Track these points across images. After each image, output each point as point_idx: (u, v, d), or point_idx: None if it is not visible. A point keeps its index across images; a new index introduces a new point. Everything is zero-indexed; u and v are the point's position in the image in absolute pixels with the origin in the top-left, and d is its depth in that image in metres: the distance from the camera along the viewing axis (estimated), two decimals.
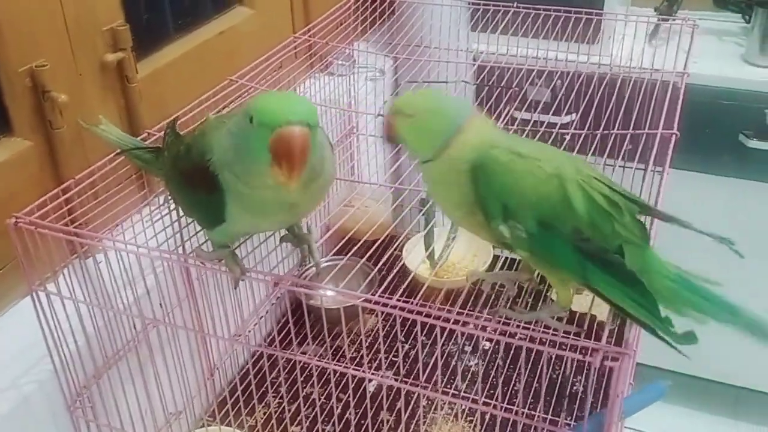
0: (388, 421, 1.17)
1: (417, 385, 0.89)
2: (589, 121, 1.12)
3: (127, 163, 1.00)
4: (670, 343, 0.70)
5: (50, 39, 0.98)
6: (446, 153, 0.76)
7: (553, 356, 1.26)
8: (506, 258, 1.35)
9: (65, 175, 1.01)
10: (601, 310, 1.22)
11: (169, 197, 0.96)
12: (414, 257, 1.40)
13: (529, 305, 0.92)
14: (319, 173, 0.77)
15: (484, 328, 0.75)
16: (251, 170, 0.73)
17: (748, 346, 0.74)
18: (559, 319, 0.80)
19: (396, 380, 0.97)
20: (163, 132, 1.04)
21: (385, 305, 0.74)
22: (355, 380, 1.17)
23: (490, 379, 1.26)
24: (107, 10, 1.07)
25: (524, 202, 0.72)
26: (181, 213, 0.96)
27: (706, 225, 0.72)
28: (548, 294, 1.38)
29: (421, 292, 0.80)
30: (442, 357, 1.30)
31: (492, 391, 1.22)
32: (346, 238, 1.25)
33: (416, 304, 0.73)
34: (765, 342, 0.71)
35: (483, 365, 1.30)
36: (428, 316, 0.73)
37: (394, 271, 0.93)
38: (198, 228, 0.93)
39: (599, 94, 1.18)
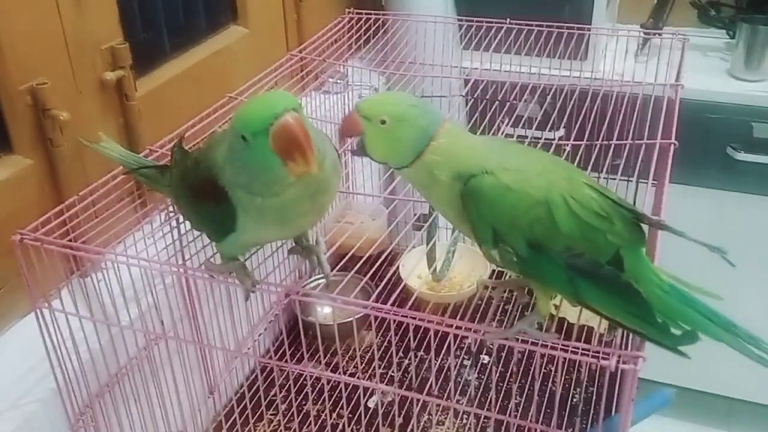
0: None
1: (431, 396, 0.88)
2: (585, 135, 1.13)
3: (128, 180, 1.00)
4: (668, 347, 0.70)
5: (50, 57, 0.99)
6: (420, 161, 0.74)
7: (546, 361, 1.26)
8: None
9: (65, 192, 1.00)
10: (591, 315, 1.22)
11: (174, 213, 0.96)
12: (413, 273, 1.39)
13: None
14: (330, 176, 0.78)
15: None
16: (270, 181, 0.73)
17: (740, 356, 0.74)
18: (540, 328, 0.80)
19: (409, 391, 0.97)
20: (165, 149, 1.04)
21: (396, 314, 0.74)
22: (362, 391, 1.16)
23: (492, 388, 1.26)
24: (106, 28, 1.07)
25: (514, 228, 0.72)
26: (186, 228, 0.95)
27: (696, 237, 0.73)
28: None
29: (428, 307, 0.80)
30: (449, 367, 1.29)
31: (506, 402, 1.22)
32: (348, 255, 1.25)
33: (428, 313, 0.74)
34: (759, 362, 0.71)
35: (492, 373, 1.29)
36: (440, 324, 0.74)
37: (396, 286, 0.93)
38: (202, 243, 0.93)
39: (594, 109, 1.19)
